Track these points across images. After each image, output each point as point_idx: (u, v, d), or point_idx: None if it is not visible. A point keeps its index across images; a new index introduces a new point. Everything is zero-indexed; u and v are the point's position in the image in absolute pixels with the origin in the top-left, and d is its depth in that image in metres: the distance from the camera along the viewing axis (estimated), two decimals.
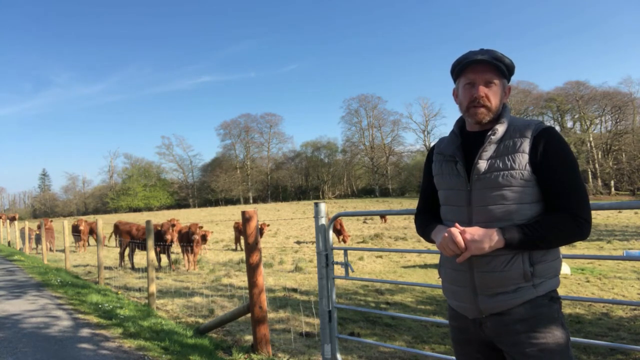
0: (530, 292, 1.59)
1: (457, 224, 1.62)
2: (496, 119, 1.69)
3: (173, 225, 11.89)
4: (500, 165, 1.60)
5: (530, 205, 1.60)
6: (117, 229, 13.27)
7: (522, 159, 1.58)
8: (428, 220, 1.86)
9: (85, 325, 5.17)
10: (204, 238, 13.22)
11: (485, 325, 1.66)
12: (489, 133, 1.65)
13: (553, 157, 1.57)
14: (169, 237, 11.58)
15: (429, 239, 1.82)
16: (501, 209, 1.60)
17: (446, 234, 1.60)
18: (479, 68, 1.66)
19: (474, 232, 1.57)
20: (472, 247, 1.56)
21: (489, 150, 1.64)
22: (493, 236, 1.55)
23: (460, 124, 1.82)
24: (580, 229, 1.54)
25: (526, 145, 1.59)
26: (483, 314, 1.65)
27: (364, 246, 16.26)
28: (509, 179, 1.59)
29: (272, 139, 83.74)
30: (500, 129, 1.65)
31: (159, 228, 11.64)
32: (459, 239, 1.57)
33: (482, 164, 1.64)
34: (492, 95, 1.66)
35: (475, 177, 1.65)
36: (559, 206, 1.57)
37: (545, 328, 1.57)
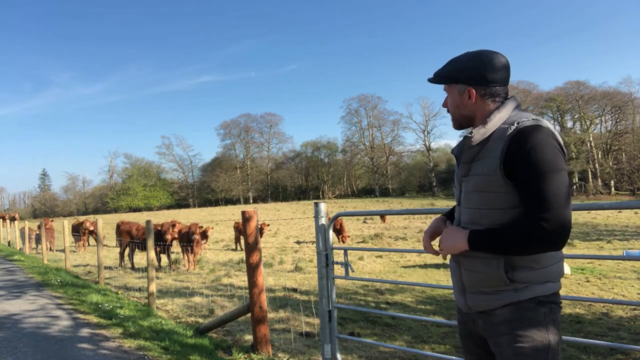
0: (511, 296, 1.55)
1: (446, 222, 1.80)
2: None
3: (173, 225, 11.89)
4: (476, 169, 1.62)
5: (504, 212, 1.54)
6: (118, 229, 13.27)
7: (493, 164, 1.54)
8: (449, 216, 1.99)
9: (85, 325, 5.17)
10: (204, 235, 13.22)
11: (477, 322, 1.69)
12: (465, 137, 1.69)
13: (523, 158, 1.47)
14: (169, 237, 11.59)
15: None
16: (475, 213, 1.62)
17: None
18: None
19: (448, 231, 1.67)
20: (442, 244, 1.67)
21: (468, 153, 1.66)
22: (461, 237, 1.59)
23: None
24: (544, 236, 1.41)
25: (500, 148, 1.53)
26: (471, 309, 1.68)
27: (364, 246, 16.26)
28: (482, 183, 1.58)
29: (272, 138, 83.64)
30: (478, 132, 1.61)
31: (159, 228, 11.64)
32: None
33: (463, 167, 1.69)
34: (449, 104, 1.77)
35: (461, 180, 1.71)
36: (527, 211, 1.48)
37: (525, 332, 1.53)
